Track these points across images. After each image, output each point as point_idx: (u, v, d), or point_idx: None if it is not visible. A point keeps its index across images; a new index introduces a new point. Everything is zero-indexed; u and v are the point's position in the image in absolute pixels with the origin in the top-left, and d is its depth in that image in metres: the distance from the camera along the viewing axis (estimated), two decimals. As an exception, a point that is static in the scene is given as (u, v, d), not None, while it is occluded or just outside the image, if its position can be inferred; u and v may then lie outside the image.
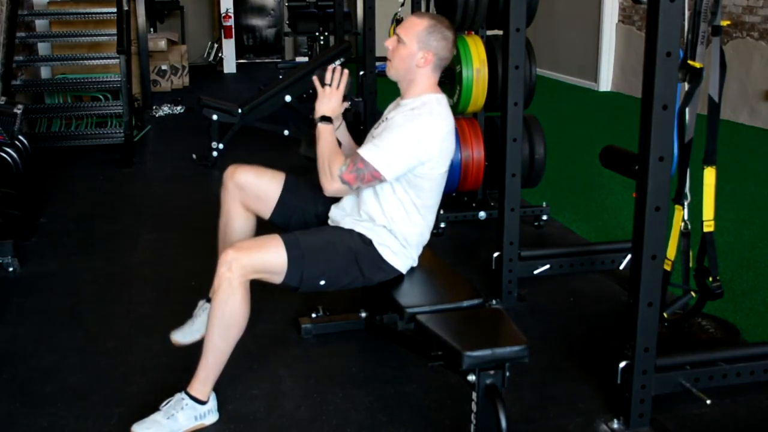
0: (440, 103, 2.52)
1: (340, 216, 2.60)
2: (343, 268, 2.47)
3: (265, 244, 2.39)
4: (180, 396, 2.35)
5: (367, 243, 2.49)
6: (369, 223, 2.51)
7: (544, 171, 4.19)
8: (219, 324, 2.31)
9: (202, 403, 2.35)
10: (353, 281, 2.51)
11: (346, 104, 2.59)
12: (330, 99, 2.53)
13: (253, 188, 2.67)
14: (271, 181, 2.69)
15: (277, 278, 2.40)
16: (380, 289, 2.54)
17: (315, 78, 2.56)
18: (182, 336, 2.75)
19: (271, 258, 2.36)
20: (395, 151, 2.40)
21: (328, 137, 2.50)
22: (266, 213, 2.69)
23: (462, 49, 4.02)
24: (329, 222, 2.65)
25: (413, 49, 2.48)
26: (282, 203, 2.67)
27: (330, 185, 2.46)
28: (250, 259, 2.31)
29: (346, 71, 2.56)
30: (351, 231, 2.51)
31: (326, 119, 2.52)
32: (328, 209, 2.68)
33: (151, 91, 7.92)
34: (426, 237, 2.61)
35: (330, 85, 2.54)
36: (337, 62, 5.95)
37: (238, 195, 2.67)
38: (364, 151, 2.44)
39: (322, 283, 2.46)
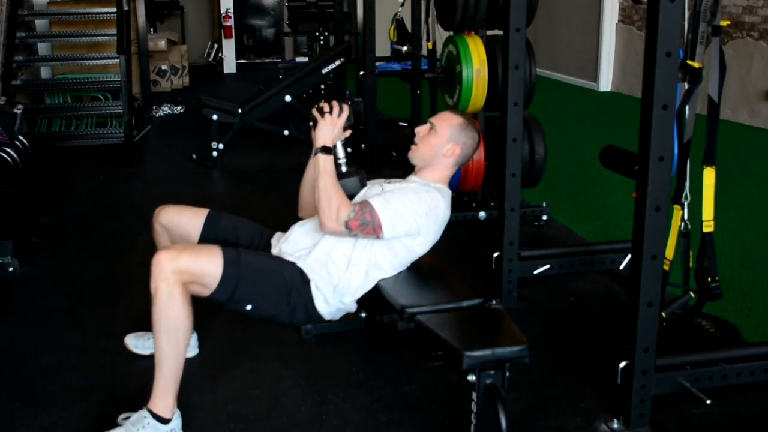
0: (449, 196, 2.61)
1: (290, 248, 2.54)
2: (273, 298, 2.41)
3: (201, 251, 2.35)
4: (143, 413, 2.24)
5: (305, 281, 2.44)
6: (315, 264, 2.46)
7: (544, 171, 4.19)
8: (165, 329, 2.22)
9: (164, 421, 2.23)
10: (277, 315, 2.44)
11: (347, 133, 2.56)
12: (332, 127, 2.50)
13: (175, 227, 2.68)
14: (191, 219, 2.68)
15: (206, 291, 2.32)
16: (379, 289, 2.54)
17: (314, 110, 2.52)
18: (134, 344, 2.80)
19: (205, 266, 2.29)
20: (403, 213, 2.42)
21: (330, 170, 2.45)
22: None
23: (462, 49, 4.02)
24: (273, 249, 2.62)
25: (444, 139, 2.59)
26: (203, 240, 2.65)
27: (332, 226, 2.41)
28: (183, 262, 2.24)
29: (346, 106, 2.53)
30: (293, 264, 2.47)
31: (326, 150, 2.47)
32: (250, 240, 2.67)
33: (151, 91, 7.91)
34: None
35: (330, 113, 2.51)
36: (338, 62, 5.95)
37: (165, 234, 2.69)
38: (376, 203, 2.42)
39: (249, 308, 2.39)
